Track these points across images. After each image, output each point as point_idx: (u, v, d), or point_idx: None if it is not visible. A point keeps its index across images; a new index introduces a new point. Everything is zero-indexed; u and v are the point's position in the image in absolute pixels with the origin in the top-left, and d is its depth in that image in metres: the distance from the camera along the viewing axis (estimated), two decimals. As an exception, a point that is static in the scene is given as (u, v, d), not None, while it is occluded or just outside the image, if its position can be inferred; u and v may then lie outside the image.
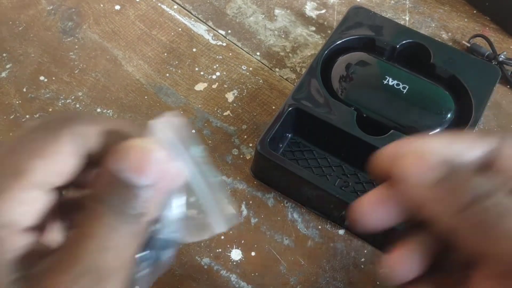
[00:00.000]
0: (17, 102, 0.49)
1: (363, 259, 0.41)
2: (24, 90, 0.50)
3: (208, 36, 0.54)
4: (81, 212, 0.21)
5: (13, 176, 0.20)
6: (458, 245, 0.21)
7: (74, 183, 0.23)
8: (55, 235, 0.24)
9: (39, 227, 0.22)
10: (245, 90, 0.50)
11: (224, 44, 0.54)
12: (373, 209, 0.23)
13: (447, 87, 0.45)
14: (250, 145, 0.47)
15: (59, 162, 0.21)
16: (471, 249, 0.21)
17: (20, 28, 0.54)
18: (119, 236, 0.20)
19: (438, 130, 0.43)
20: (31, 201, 0.21)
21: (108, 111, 0.49)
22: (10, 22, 0.55)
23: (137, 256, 0.23)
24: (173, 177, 0.22)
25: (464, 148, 0.23)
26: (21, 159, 0.21)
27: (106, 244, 0.20)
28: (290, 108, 0.43)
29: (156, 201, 0.21)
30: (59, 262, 0.20)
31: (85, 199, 0.21)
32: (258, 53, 0.53)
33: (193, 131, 0.48)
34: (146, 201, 0.21)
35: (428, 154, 0.22)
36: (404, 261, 0.23)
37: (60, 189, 0.23)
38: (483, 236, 0.20)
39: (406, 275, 0.23)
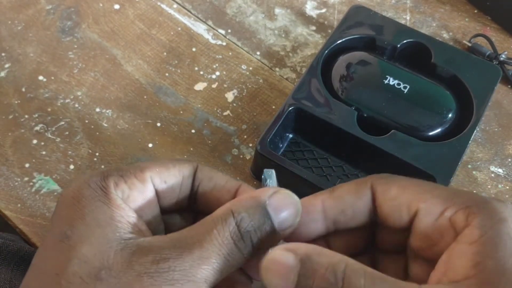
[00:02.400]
0: (16, 102, 0.49)
1: (363, 260, 0.41)
2: (23, 89, 0.50)
3: (207, 36, 0.54)
4: (210, 217, 0.24)
5: (135, 170, 0.26)
6: None
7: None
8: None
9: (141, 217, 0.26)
10: (245, 90, 0.50)
11: (224, 44, 0.53)
12: None
13: (448, 87, 0.44)
14: (250, 145, 0.47)
15: (174, 176, 0.27)
16: None
17: (19, 28, 0.54)
18: (223, 262, 0.23)
19: (439, 130, 0.42)
20: (138, 191, 0.26)
21: (107, 111, 0.49)
22: (9, 22, 0.54)
23: None
24: None
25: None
26: (148, 164, 0.27)
27: (209, 260, 0.22)
28: (290, 108, 0.43)
29: (270, 245, 0.24)
30: (162, 246, 0.23)
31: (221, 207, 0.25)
32: (258, 53, 0.53)
33: (193, 131, 0.48)
34: (264, 238, 0.24)
35: (278, 261, 0.23)
36: None
37: (166, 207, 0.28)
38: None
39: None
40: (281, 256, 0.23)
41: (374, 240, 0.27)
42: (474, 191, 0.44)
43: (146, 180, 0.26)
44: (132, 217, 0.24)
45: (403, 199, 0.24)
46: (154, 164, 0.27)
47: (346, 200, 0.26)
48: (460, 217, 0.23)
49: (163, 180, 0.27)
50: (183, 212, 0.30)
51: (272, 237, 0.24)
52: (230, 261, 0.23)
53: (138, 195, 0.26)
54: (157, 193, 0.27)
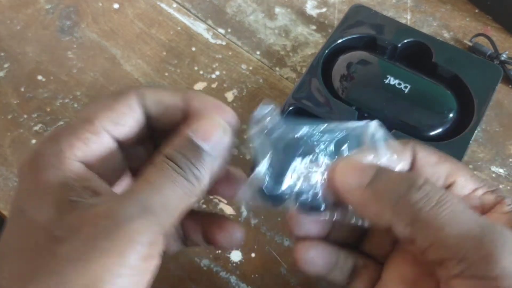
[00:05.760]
0: (15, 102, 0.49)
1: (364, 260, 0.41)
2: (22, 89, 0.50)
3: (207, 35, 0.54)
4: (148, 165, 0.25)
5: (84, 123, 0.25)
6: (402, 240, 0.25)
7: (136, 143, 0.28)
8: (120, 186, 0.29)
9: (104, 171, 0.26)
10: (245, 90, 0.50)
11: (224, 43, 0.53)
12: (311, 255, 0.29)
13: (449, 87, 0.44)
14: (250, 145, 0.47)
15: (124, 114, 0.26)
16: (410, 240, 0.24)
17: (18, 27, 0.54)
18: (173, 188, 0.24)
19: (439, 129, 0.42)
20: (96, 144, 0.25)
21: (107, 111, 0.48)
22: (8, 21, 0.54)
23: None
24: (226, 153, 0.27)
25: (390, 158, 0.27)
26: (93, 111, 0.26)
27: (160, 190, 0.23)
28: (290, 108, 0.43)
29: (211, 170, 0.26)
30: (113, 200, 0.23)
31: (155, 154, 0.25)
32: (258, 52, 0.53)
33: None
34: (203, 165, 0.25)
35: (354, 161, 0.26)
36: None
37: (126, 145, 0.27)
38: (419, 227, 0.23)
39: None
40: (357, 158, 0.26)
41: None
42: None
43: (99, 131, 0.25)
44: (86, 179, 0.24)
45: (442, 168, 0.27)
46: (99, 109, 0.26)
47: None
48: (489, 198, 0.27)
49: (115, 123, 0.26)
50: (146, 144, 0.30)
51: (214, 162, 0.26)
52: (183, 189, 0.24)
53: (96, 148, 0.25)
54: (114, 138, 0.26)
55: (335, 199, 0.27)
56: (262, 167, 0.27)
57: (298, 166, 0.27)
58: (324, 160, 0.27)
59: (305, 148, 0.28)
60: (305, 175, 0.27)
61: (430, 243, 0.23)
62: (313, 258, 0.29)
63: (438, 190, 0.24)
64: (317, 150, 0.28)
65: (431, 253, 0.23)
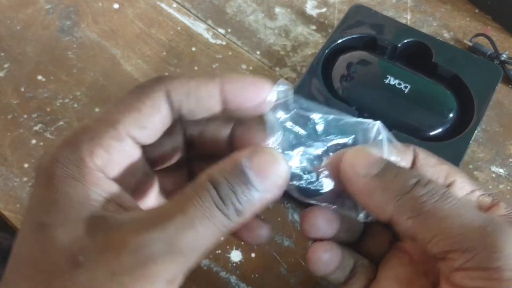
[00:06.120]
0: (15, 102, 0.49)
1: (364, 260, 0.41)
2: (22, 89, 0.50)
3: (207, 35, 0.54)
4: (188, 184, 0.22)
5: (107, 127, 0.23)
6: (403, 234, 0.25)
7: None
8: (148, 198, 0.27)
9: (127, 182, 0.24)
10: (245, 90, 0.50)
11: (224, 43, 0.53)
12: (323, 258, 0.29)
13: (449, 87, 0.44)
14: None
15: (150, 115, 0.23)
16: (412, 234, 0.24)
17: (18, 27, 0.54)
18: (207, 224, 0.21)
19: (439, 129, 0.42)
20: (119, 152, 0.23)
21: (107, 111, 0.48)
22: (8, 21, 0.54)
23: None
24: (279, 191, 0.24)
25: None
26: (116, 112, 0.23)
27: (192, 226, 0.21)
28: (290, 108, 0.43)
29: (256, 208, 0.23)
30: (141, 220, 0.21)
31: (199, 174, 0.22)
32: (258, 52, 0.53)
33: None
34: (249, 202, 0.22)
35: (365, 151, 0.26)
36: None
37: (150, 147, 0.25)
38: (422, 219, 0.23)
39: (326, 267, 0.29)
40: (371, 149, 0.26)
41: None
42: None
43: (123, 138, 0.23)
44: (110, 192, 0.22)
45: (441, 169, 0.28)
46: (123, 111, 0.23)
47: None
48: (486, 200, 0.27)
49: (140, 127, 0.23)
50: (181, 167, 0.29)
51: (261, 201, 0.23)
52: (218, 226, 0.22)
53: (118, 157, 0.23)
54: (138, 143, 0.24)
55: (336, 187, 0.27)
56: (270, 145, 0.27)
57: (304, 149, 0.28)
58: (328, 148, 0.28)
59: (312, 134, 0.28)
60: (309, 159, 0.28)
61: (433, 235, 0.23)
62: (328, 260, 0.29)
63: (442, 188, 0.24)
64: (323, 138, 0.28)
65: (434, 245, 0.23)
